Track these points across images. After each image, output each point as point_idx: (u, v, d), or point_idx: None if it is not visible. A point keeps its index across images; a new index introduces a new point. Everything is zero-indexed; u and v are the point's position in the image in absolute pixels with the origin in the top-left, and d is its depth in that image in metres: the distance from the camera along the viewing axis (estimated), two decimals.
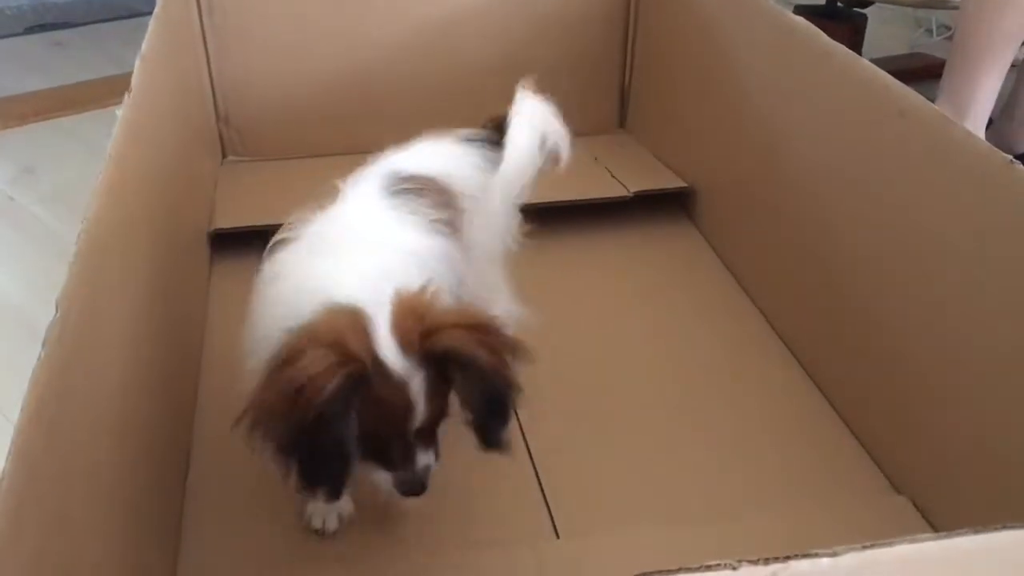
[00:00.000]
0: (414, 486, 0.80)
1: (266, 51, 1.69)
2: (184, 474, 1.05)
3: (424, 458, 0.79)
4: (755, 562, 0.45)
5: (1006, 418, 0.89)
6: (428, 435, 0.80)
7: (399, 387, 0.75)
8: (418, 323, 0.76)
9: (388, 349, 0.74)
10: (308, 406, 0.71)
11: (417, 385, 0.75)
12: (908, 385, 1.03)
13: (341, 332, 0.74)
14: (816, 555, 0.46)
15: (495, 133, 1.06)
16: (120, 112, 1.00)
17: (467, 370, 0.76)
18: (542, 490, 1.04)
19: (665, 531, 0.98)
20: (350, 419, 0.73)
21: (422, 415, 0.77)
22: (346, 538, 0.98)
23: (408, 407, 0.76)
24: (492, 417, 0.80)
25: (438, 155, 1.04)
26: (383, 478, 0.81)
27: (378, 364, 0.74)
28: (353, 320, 0.75)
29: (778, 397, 1.20)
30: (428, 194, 0.97)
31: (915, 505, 1.02)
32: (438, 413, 0.79)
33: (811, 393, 1.20)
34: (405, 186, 0.96)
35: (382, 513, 1.01)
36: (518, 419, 1.14)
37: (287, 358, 0.74)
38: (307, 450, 0.73)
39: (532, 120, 1.05)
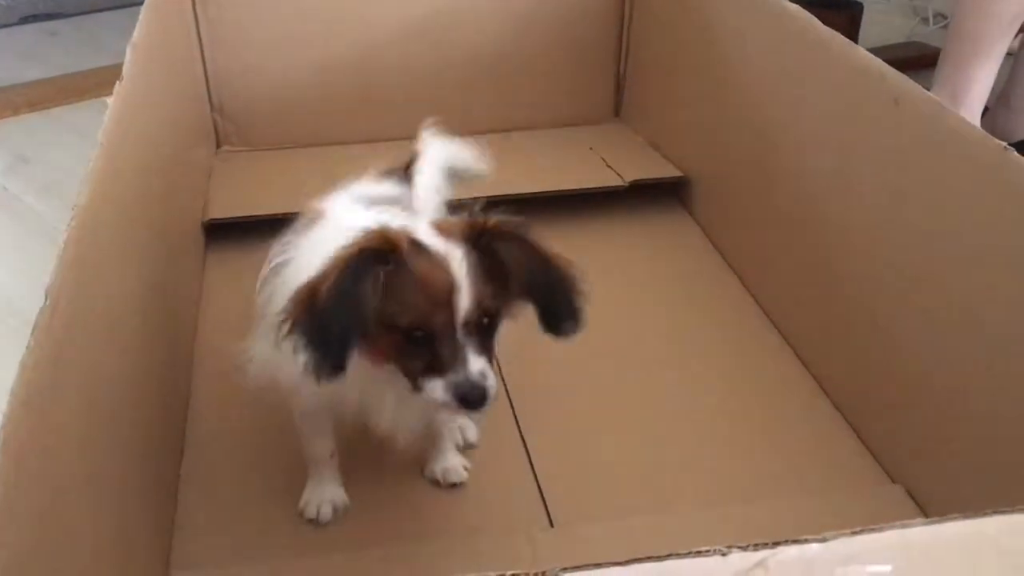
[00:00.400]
0: (471, 391, 0.71)
1: (261, 41, 1.68)
2: (178, 462, 1.05)
3: (477, 361, 0.72)
4: (744, 548, 0.45)
5: (1000, 406, 0.89)
6: (479, 334, 0.73)
7: (439, 263, 0.71)
8: (458, 224, 0.75)
9: (425, 233, 0.73)
10: (326, 279, 0.70)
11: (458, 261, 0.72)
12: (903, 373, 1.03)
13: (375, 232, 0.73)
14: (805, 541, 0.46)
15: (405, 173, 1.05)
16: (111, 101, 0.99)
17: (521, 247, 0.74)
18: (536, 479, 1.04)
19: (659, 519, 0.98)
20: (364, 288, 0.70)
21: (468, 299, 0.71)
22: (341, 526, 0.98)
23: (450, 286, 0.71)
24: (557, 291, 0.75)
25: (397, 183, 1.04)
26: (436, 387, 0.73)
27: (415, 244, 0.72)
28: (387, 228, 0.74)
29: (773, 386, 1.20)
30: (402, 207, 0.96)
31: (910, 494, 1.02)
32: (488, 302, 0.73)
33: (806, 382, 1.20)
34: (379, 202, 0.93)
35: (377, 502, 1.01)
36: (513, 409, 1.14)
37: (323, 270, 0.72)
38: (318, 321, 0.70)
39: (434, 161, 1.05)
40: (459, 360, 0.72)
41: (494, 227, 0.74)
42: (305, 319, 0.71)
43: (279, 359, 0.79)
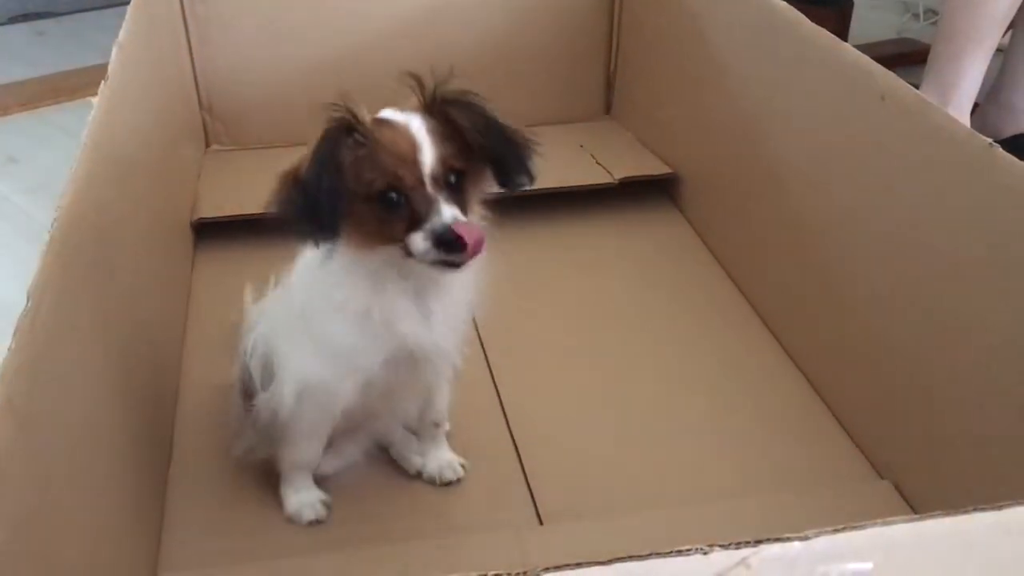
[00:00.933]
0: (445, 235, 0.77)
1: (249, 40, 1.68)
2: (166, 464, 1.05)
3: (450, 210, 0.79)
4: (726, 547, 0.45)
5: (988, 402, 0.89)
6: (449, 189, 0.81)
7: (401, 130, 0.80)
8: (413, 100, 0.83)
9: (389, 112, 0.82)
10: (305, 161, 0.79)
11: (418, 126, 0.80)
12: (891, 370, 1.04)
13: (340, 110, 0.81)
14: (787, 539, 0.45)
15: None
16: (96, 100, 0.99)
17: (470, 109, 0.82)
18: (525, 477, 1.04)
19: (648, 516, 0.98)
20: (339, 154, 0.78)
21: (431, 155, 0.79)
22: (330, 526, 0.98)
23: (413, 146, 0.79)
24: (507, 148, 0.82)
25: None
26: (417, 239, 0.79)
27: (380, 121, 0.81)
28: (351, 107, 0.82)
29: (762, 383, 1.20)
30: None
31: (898, 490, 1.02)
32: (449, 159, 0.80)
33: (795, 378, 1.20)
34: None
35: (366, 503, 1.01)
36: (502, 407, 1.14)
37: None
38: (305, 193, 0.79)
39: None
40: (433, 210, 0.79)
41: (445, 95, 0.82)
42: (293, 194, 0.80)
43: (318, 367, 0.88)
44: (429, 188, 0.79)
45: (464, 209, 0.81)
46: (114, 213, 1.00)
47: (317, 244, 0.81)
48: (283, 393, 0.91)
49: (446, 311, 0.88)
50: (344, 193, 0.79)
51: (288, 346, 0.92)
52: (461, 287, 0.89)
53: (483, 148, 0.82)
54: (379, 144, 0.79)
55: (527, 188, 0.84)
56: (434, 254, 0.79)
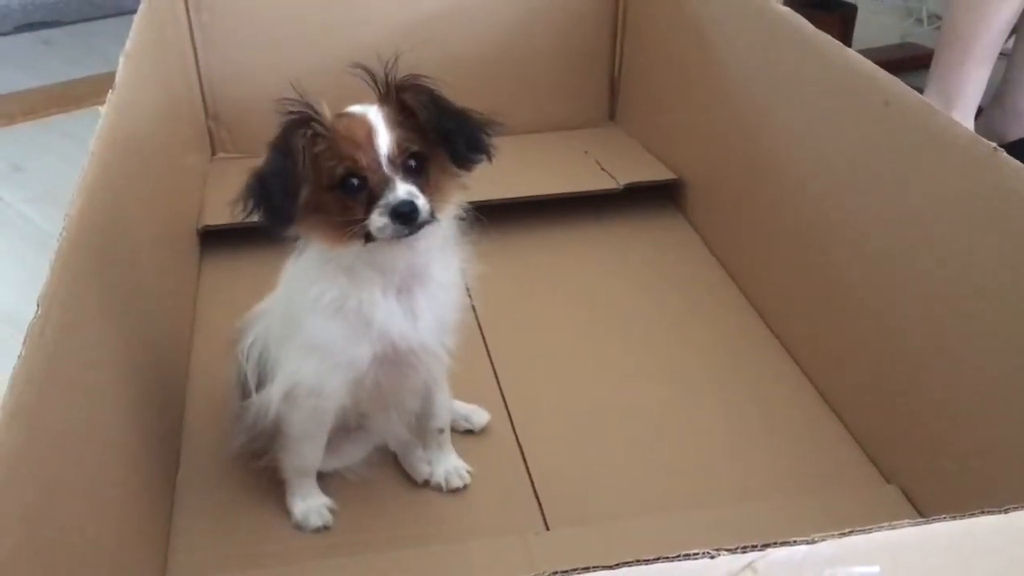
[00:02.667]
0: (400, 205, 0.81)
1: (255, 48, 1.68)
2: (174, 471, 1.05)
3: (405, 186, 0.82)
4: (733, 550, 0.46)
5: (994, 406, 0.89)
6: (407, 171, 0.84)
7: (358, 119, 0.84)
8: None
9: (351, 107, 0.86)
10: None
11: (375, 114, 0.84)
12: (897, 374, 1.04)
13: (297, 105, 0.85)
14: (793, 543, 0.46)
15: None
16: (104, 109, 0.99)
17: (418, 91, 0.85)
18: (532, 482, 1.04)
19: (654, 521, 0.98)
20: (294, 144, 0.82)
21: (387, 138, 0.83)
22: (337, 532, 0.98)
23: (369, 131, 0.83)
24: (456, 125, 0.85)
25: None
26: (375, 217, 0.82)
27: (340, 114, 0.85)
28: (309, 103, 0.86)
29: (768, 388, 1.20)
30: None
31: (904, 494, 1.02)
32: (405, 142, 0.84)
33: (801, 383, 1.20)
34: None
35: (372, 508, 1.01)
36: (508, 414, 1.14)
37: None
38: (260, 181, 0.83)
39: None
40: (388, 188, 0.82)
41: (397, 82, 0.85)
42: (251, 183, 0.84)
43: (305, 365, 0.90)
44: (386, 169, 0.82)
45: (424, 185, 0.84)
46: (122, 221, 1.00)
47: (273, 232, 0.84)
48: (272, 394, 0.92)
49: (432, 310, 0.90)
50: (300, 179, 0.82)
51: (279, 348, 0.93)
52: (445, 286, 0.91)
53: (434, 128, 0.84)
54: (338, 134, 0.83)
55: (479, 163, 0.87)
56: (390, 226, 0.82)
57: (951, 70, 1.63)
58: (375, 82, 0.86)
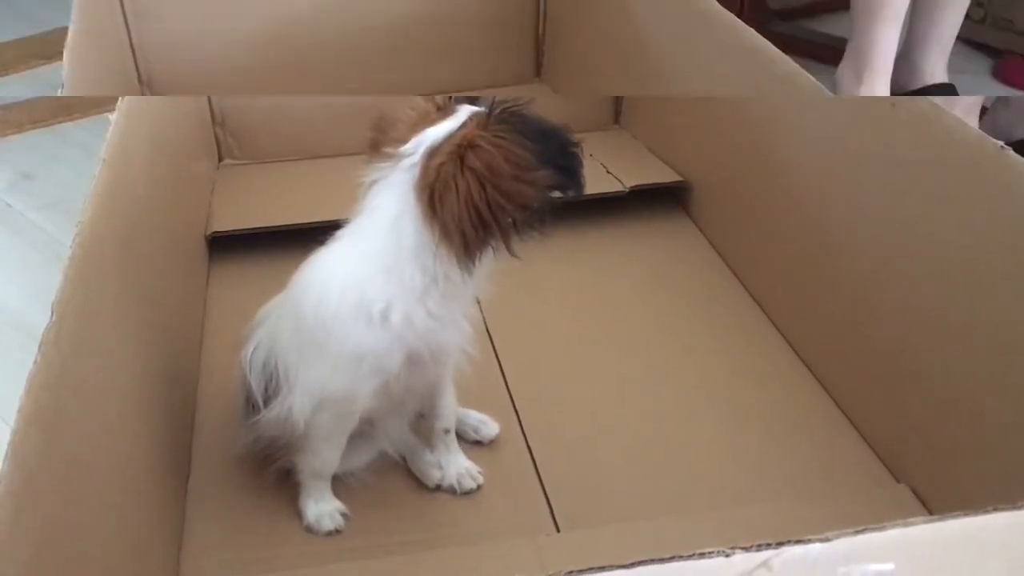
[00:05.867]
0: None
1: (189, 18, 1.68)
2: (186, 476, 1.06)
3: None
4: (748, 549, 0.46)
5: (1004, 404, 0.89)
6: None
7: None
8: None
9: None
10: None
11: None
12: (905, 373, 1.04)
13: None
14: (808, 541, 0.46)
15: None
16: (114, 117, 1.00)
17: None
18: (541, 483, 1.04)
19: (664, 523, 0.98)
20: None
21: None
22: (349, 535, 0.98)
23: None
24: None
25: None
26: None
27: None
28: None
29: (776, 388, 1.20)
30: None
31: (915, 493, 1.02)
32: None
33: (809, 383, 1.20)
34: None
35: (382, 511, 1.01)
36: (517, 415, 1.14)
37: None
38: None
39: None
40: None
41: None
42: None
43: (337, 376, 0.88)
44: None
45: None
46: (133, 228, 1.01)
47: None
48: (297, 406, 0.91)
49: (455, 308, 0.89)
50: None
51: (297, 356, 0.91)
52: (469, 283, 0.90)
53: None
54: None
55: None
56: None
57: (862, 38, 1.73)
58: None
